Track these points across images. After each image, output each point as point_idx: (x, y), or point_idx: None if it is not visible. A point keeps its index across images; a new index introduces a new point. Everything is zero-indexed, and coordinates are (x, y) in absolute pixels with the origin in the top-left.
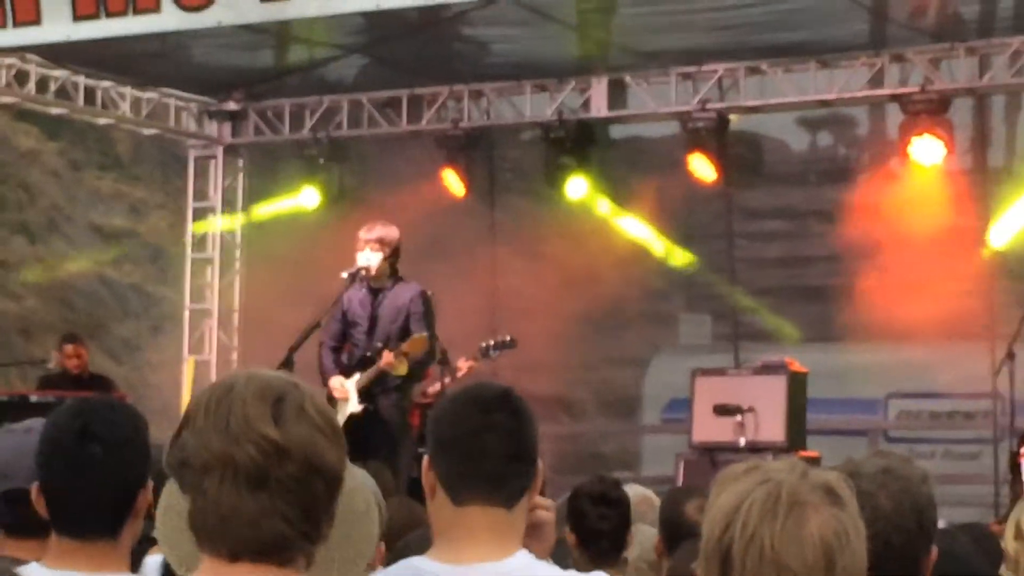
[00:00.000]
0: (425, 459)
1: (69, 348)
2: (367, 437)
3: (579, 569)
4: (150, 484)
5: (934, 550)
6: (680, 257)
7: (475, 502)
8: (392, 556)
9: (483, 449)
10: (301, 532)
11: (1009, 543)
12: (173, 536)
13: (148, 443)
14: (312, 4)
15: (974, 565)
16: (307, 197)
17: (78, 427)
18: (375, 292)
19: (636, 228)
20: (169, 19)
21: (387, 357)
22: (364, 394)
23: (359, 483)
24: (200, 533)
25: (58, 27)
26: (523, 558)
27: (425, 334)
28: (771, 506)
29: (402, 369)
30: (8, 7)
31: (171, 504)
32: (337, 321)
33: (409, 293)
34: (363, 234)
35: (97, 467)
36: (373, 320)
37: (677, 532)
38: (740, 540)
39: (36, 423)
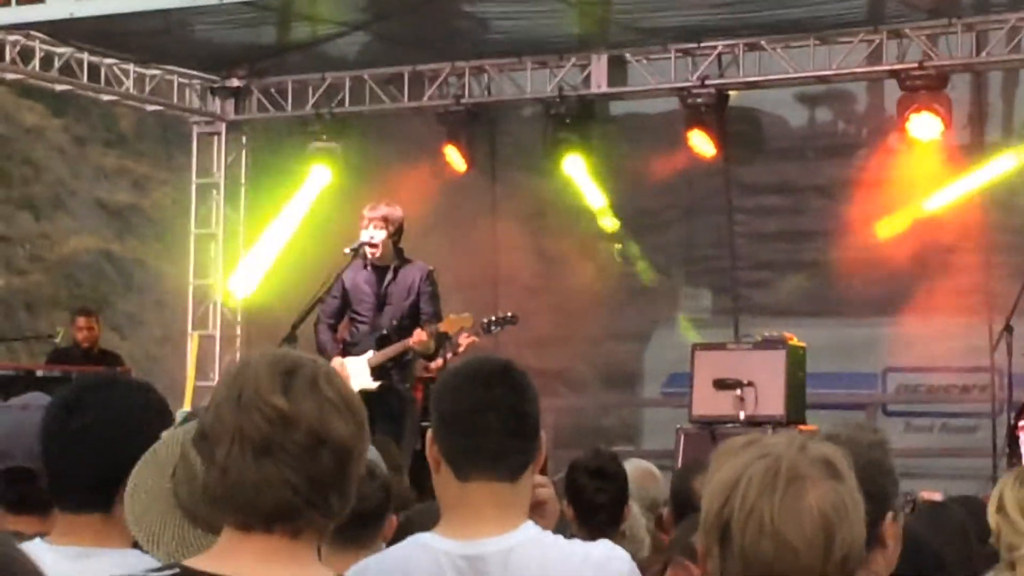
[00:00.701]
0: (429, 434)
1: (81, 320)
2: (380, 411)
3: None
4: None
5: (889, 517)
6: (680, 232)
7: (479, 477)
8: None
9: (485, 425)
10: (307, 500)
11: (991, 516)
12: (142, 515)
13: (149, 421)
14: None
15: (968, 537)
16: (316, 176)
17: (71, 400)
18: (380, 271)
19: (636, 204)
20: None
21: (419, 335)
22: (379, 371)
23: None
24: (214, 504)
25: (61, 4)
26: (529, 530)
27: (467, 314)
28: (770, 480)
29: (431, 348)
30: None
31: (139, 483)
32: (336, 299)
33: (418, 272)
34: (367, 212)
35: (82, 439)
36: (382, 299)
37: (687, 506)
38: (739, 514)
39: (34, 398)
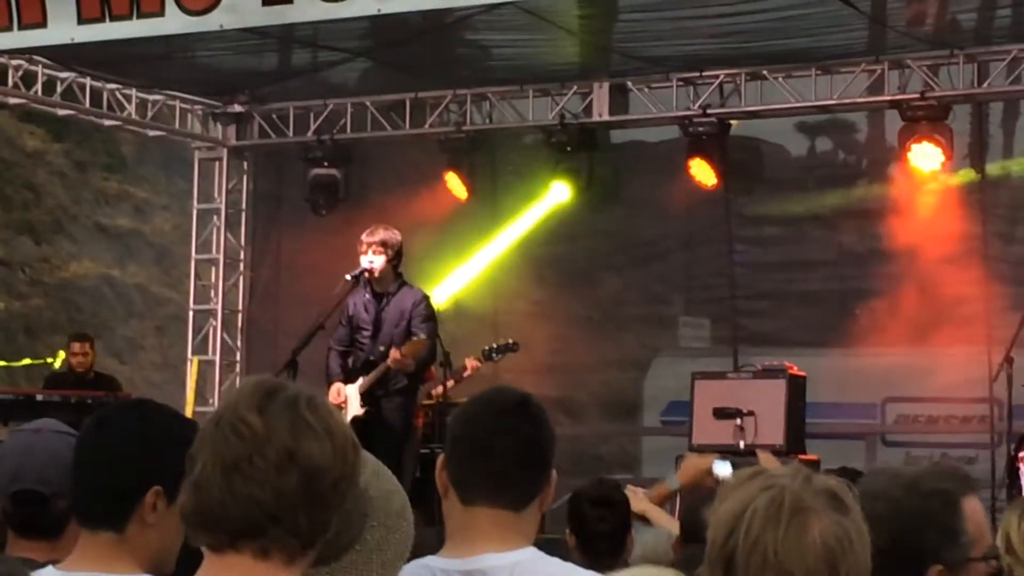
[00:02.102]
0: (440, 458)
1: (76, 346)
2: (370, 440)
3: None
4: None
5: (935, 571)
6: (680, 261)
7: (482, 503)
8: None
9: (492, 451)
10: (271, 517)
11: (1002, 558)
12: None
13: (171, 444)
14: (313, 8)
15: None
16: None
17: (104, 418)
18: (379, 296)
19: (636, 232)
20: (172, 22)
21: (394, 354)
22: (367, 397)
23: (395, 486)
24: (189, 520)
25: (62, 29)
26: (531, 552)
27: (423, 336)
28: (774, 512)
29: (410, 367)
30: (14, 9)
31: None
32: (344, 326)
33: (412, 297)
34: (366, 237)
35: (98, 454)
36: (377, 323)
37: (695, 535)
38: (743, 546)
39: (46, 423)
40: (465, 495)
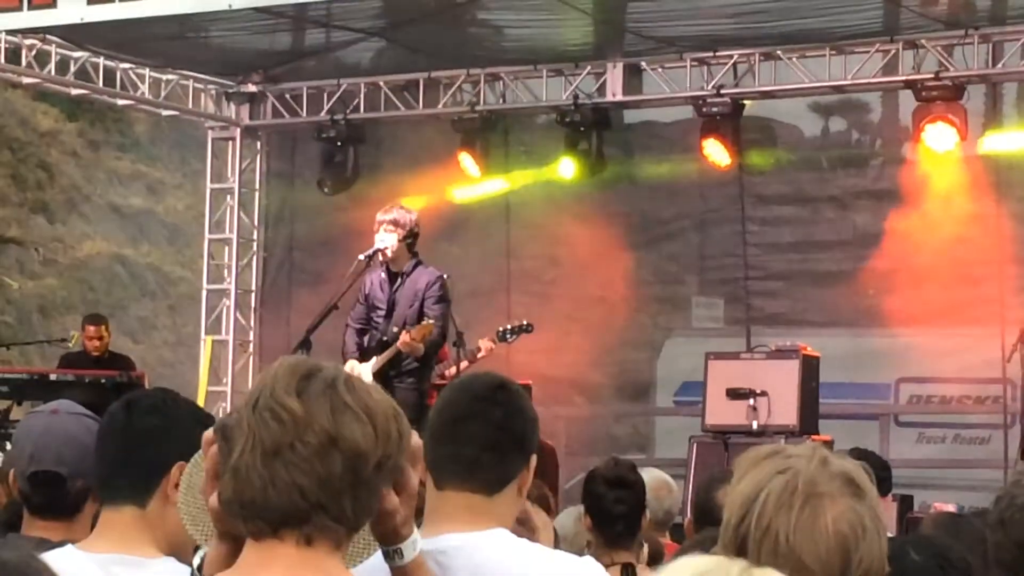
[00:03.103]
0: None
1: (91, 329)
2: None
3: (594, 552)
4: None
5: None
6: (693, 241)
7: (453, 486)
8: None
9: (463, 435)
10: (316, 504)
11: None
12: (195, 513)
13: (197, 425)
14: None
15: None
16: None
17: (132, 400)
18: (394, 275)
19: (650, 212)
20: (182, 2)
21: (404, 336)
22: (379, 377)
23: None
24: (229, 508)
25: (72, 9)
26: (499, 534)
27: (431, 321)
28: (787, 497)
29: (419, 350)
30: None
31: (193, 483)
32: (362, 304)
33: (427, 278)
34: (380, 215)
35: (125, 430)
36: (391, 303)
37: (707, 517)
38: (755, 532)
39: (62, 404)
40: (438, 479)
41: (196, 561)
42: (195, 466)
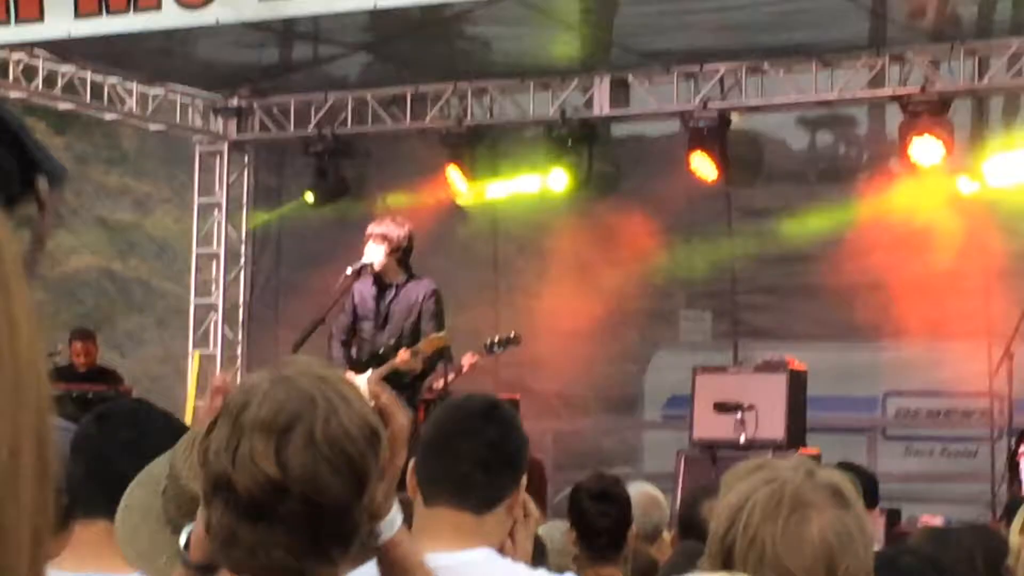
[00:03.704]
0: (411, 462)
1: (78, 345)
2: None
3: (579, 566)
4: None
5: None
6: (681, 254)
7: (443, 504)
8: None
9: (454, 454)
10: (304, 558)
11: (1015, 537)
12: (132, 533)
13: (169, 438)
14: (310, 2)
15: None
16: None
17: (103, 413)
18: (383, 287)
19: (637, 226)
20: (169, 17)
21: (403, 355)
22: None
23: None
24: (213, 547)
25: (59, 24)
26: (483, 553)
27: (443, 333)
28: (773, 507)
29: (417, 367)
30: (11, 3)
31: (131, 502)
32: (347, 314)
33: (422, 290)
34: (371, 227)
35: (95, 440)
36: (384, 316)
37: (692, 531)
38: (742, 540)
39: None
40: (428, 496)
41: (183, 540)
42: (137, 484)
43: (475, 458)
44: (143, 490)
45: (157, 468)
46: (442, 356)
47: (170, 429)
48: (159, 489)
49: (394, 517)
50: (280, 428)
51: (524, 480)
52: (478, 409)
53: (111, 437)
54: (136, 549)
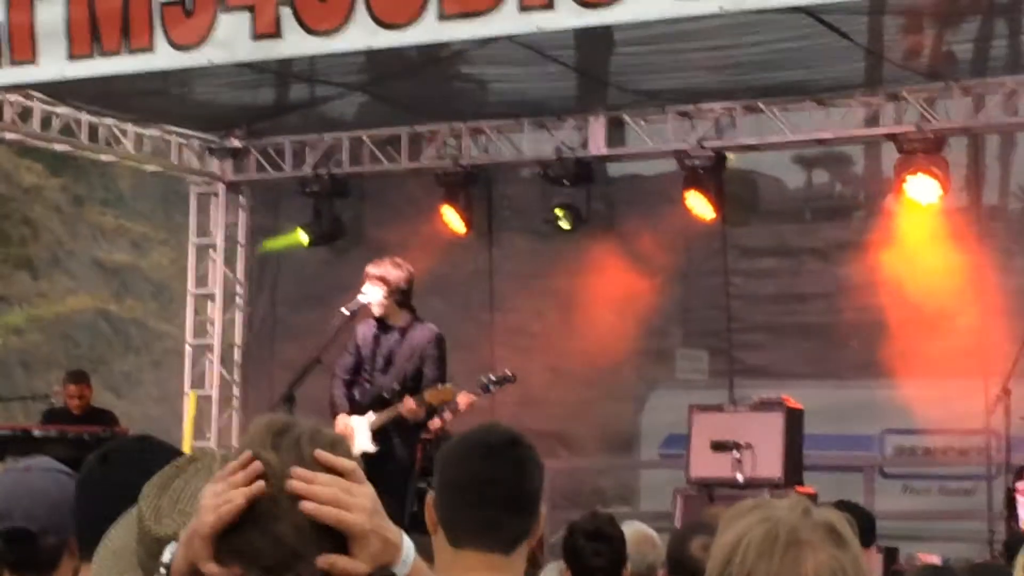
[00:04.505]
0: (429, 496)
1: (72, 388)
2: (379, 475)
3: None
4: None
5: None
6: (677, 293)
7: (472, 547)
8: None
9: (483, 498)
10: (293, 552)
11: (1019, 573)
12: (100, 573)
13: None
14: (303, 43)
15: None
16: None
17: (108, 452)
18: (386, 329)
19: (634, 265)
20: (162, 58)
21: (408, 403)
22: (380, 435)
23: None
24: (226, 557)
25: (53, 66)
26: None
27: (449, 385)
28: (768, 545)
29: (421, 415)
30: (4, 45)
31: (107, 541)
32: (351, 355)
33: (426, 335)
34: (369, 268)
35: (100, 485)
36: (387, 359)
37: (682, 569)
38: None
39: (37, 461)
40: (455, 538)
41: (166, 557)
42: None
43: (503, 502)
44: (121, 530)
45: (141, 505)
46: (440, 408)
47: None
48: (133, 530)
49: (407, 553)
50: (276, 430)
51: (543, 510)
52: (501, 447)
53: (116, 478)
54: None
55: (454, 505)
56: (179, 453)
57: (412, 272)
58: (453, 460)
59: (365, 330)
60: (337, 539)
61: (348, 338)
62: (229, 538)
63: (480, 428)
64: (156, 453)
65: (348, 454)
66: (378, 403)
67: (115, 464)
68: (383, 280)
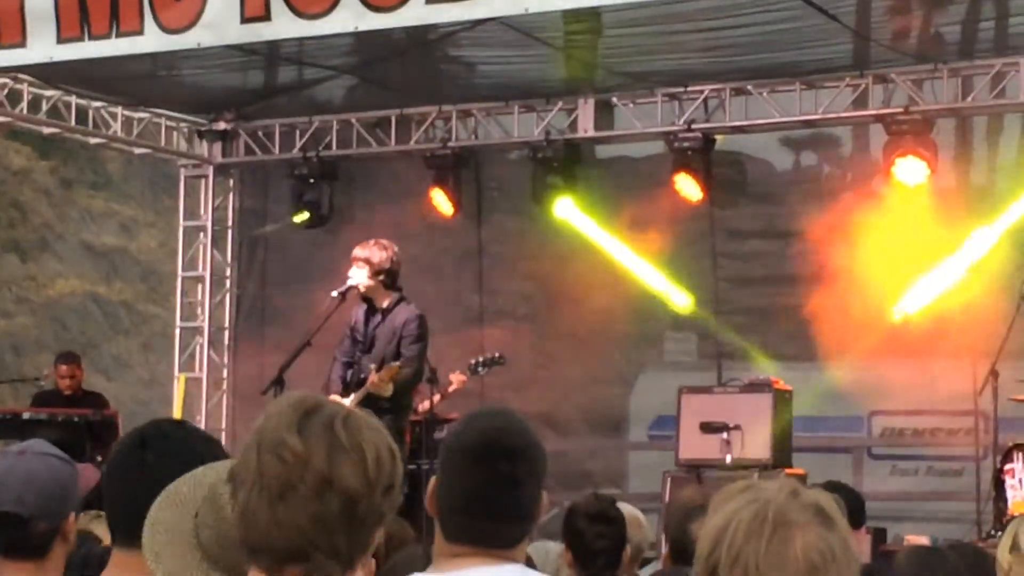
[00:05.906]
0: (433, 481)
1: (64, 368)
2: None
3: None
4: None
5: None
6: (666, 275)
7: (472, 546)
8: (382, 574)
9: (487, 509)
10: (312, 543)
11: (1004, 556)
12: (161, 551)
13: (204, 458)
14: (291, 25)
15: None
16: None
17: (136, 437)
18: (373, 311)
19: (622, 247)
20: (151, 41)
21: (372, 378)
22: None
23: None
24: (240, 546)
25: (42, 48)
26: (515, 569)
27: (396, 364)
28: (757, 526)
29: (387, 390)
30: None
31: (159, 519)
32: (348, 337)
33: (405, 315)
34: (356, 251)
35: (139, 469)
36: (370, 340)
37: (683, 550)
38: (726, 560)
39: (31, 445)
40: (455, 540)
41: None
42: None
43: (509, 514)
44: (171, 509)
45: (186, 489)
46: (417, 380)
47: (213, 455)
48: (189, 510)
49: None
50: (304, 411)
51: (545, 497)
52: (508, 455)
53: (156, 464)
54: (165, 568)
55: (456, 510)
56: (214, 440)
57: (397, 253)
58: (459, 463)
59: (357, 312)
60: (354, 530)
61: (344, 321)
62: (247, 526)
63: (491, 425)
64: (194, 441)
65: (378, 436)
66: (361, 384)
67: (154, 450)
68: (368, 262)
